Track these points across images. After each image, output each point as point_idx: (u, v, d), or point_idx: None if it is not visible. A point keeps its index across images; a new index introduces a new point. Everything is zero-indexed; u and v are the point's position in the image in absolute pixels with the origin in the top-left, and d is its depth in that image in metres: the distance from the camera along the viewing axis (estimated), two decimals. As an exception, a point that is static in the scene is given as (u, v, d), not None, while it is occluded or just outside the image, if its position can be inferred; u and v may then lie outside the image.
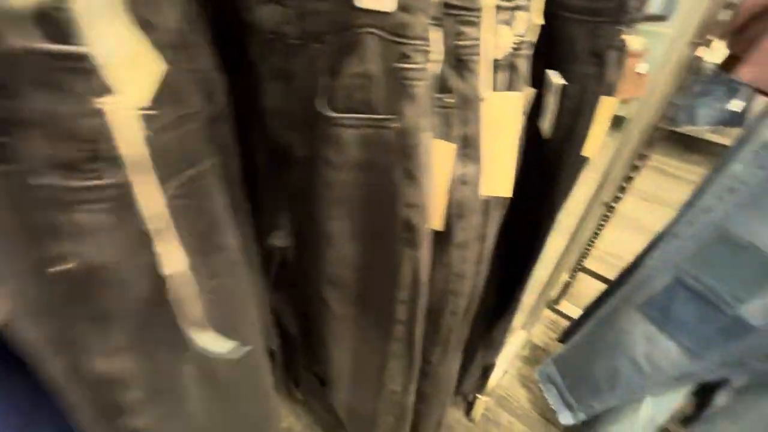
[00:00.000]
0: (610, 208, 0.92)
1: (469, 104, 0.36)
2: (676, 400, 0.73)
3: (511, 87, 0.40)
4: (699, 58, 0.66)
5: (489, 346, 0.85)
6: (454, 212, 0.40)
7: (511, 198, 0.46)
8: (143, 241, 0.26)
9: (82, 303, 0.26)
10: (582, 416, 0.83)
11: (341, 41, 0.30)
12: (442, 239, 0.42)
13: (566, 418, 0.85)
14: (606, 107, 0.48)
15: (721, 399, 0.66)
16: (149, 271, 0.27)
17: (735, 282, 0.55)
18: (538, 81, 0.45)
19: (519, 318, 1.13)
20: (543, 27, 0.42)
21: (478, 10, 0.34)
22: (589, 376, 0.81)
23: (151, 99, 0.24)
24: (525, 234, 0.56)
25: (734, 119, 2.17)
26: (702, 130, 2.25)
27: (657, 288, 0.64)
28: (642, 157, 0.81)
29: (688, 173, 2.16)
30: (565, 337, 1.01)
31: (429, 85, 0.33)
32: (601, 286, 1.18)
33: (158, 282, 0.28)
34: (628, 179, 0.86)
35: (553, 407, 0.88)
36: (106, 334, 0.28)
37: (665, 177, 2.10)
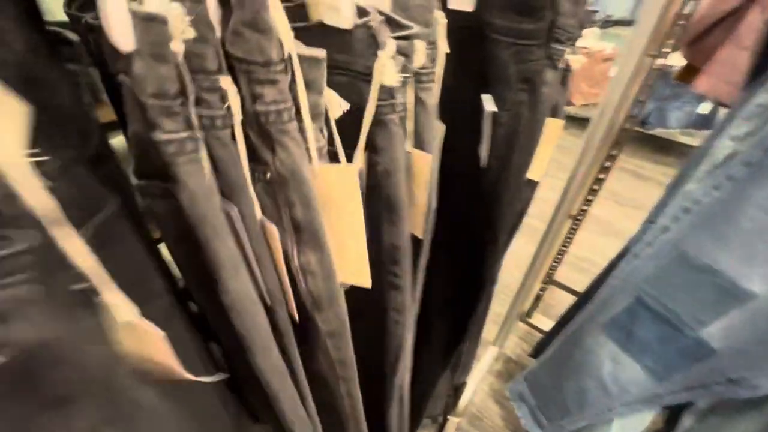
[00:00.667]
0: (582, 212, 0.90)
1: (288, 183, 0.28)
2: (644, 423, 0.71)
3: (419, 124, 0.37)
4: (666, 65, 0.64)
5: (456, 368, 0.83)
6: (309, 304, 0.35)
7: (458, 225, 0.43)
8: (80, 303, 0.23)
9: (30, 395, 0.23)
10: (553, 436, 0.80)
11: None
12: (310, 330, 0.37)
13: (537, 438, 0.83)
14: (551, 129, 0.46)
15: (686, 421, 0.64)
16: (98, 337, 0.24)
17: (694, 304, 0.53)
18: (476, 105, 0.42)
19: (491, 331, 1.10)
20: (478, 46, 0.39)
21: (276, 63, 0.24)
22: (558, 395, 0.79)
23: (29, 144, 0.21)
24: (474, 261, 0.53)
25: (704, 122, 2.21)
26: (673, 132, 2.29)
27: (619, 308, 0.63)
28: (610, 158, 0.80)
29: (662, 175, 2.18)
30: (536, 352, 0.99)
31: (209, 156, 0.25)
32: (573, 298, 1.17)
33: (110, 348, 0.24)
34: (598, 181, 0.84)
35: (524, 426, 0.86)
36: (68, 422, 0.24)
37: (639, 180, 2.11)
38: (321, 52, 0.27)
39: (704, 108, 2.18)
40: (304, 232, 0.31)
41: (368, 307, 0.40)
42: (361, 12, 0.29)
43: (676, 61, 0.79)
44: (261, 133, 0.27)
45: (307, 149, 0.29)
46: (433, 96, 0.37)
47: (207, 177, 0.25)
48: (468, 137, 0.46)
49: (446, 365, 0.73)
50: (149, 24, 0.20)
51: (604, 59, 2.27)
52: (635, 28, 0.50)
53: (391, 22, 0.30)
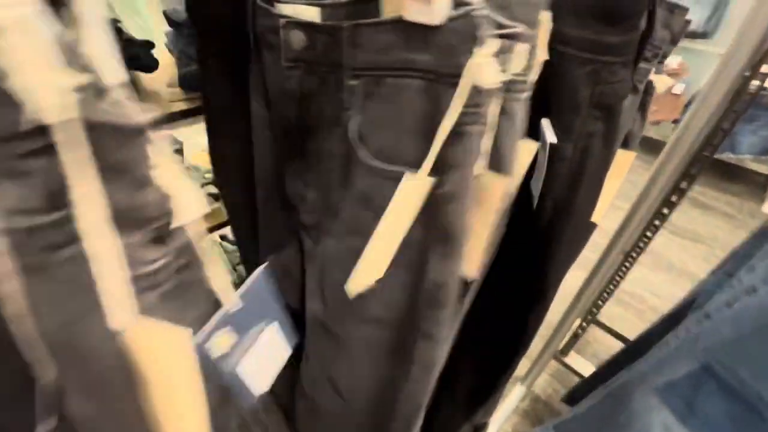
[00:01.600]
0: (638, 249, 0.79)
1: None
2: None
3: (500, 140, 0.30)
4: (761, 87, 0.54)
5: (478, 407, 0.75)
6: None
7: (501, 273, 0.36)
8: None
9: None
10: (583, 499, 0.71)
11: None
12: None
13: (565, 498, 0.73)
14: (621, 162, 0.38)
15: None
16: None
17: (783, 385, 0.43)
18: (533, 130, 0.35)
19: (521, 366, 1.01)
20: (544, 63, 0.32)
21: None
22: (593, 455, 0.69)
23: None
24: (514, 315, 0.46)
25: (782, 150, 1.97)
26: (744, 158, 2.06)
27: (680, 372, 0.53)
28: (679, 191, 0.69)
29: (727, 205, 1.97)
30: (570, 398, 0.89)
31: None
32: (613, 339, 1.05)
33: None
34: (661, 216, 0.73)
35: (550, 482, 0.76)
36: None
37: (700, 209, 1.91)
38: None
39: (784, 134, 1.95)
40: None
41: (386, 359, 0.34)
42: (457, 2, 0.24)
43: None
44: None
45: None
46: (522, 108, 0.30)
47: None
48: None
49: (468, 416, 0.66)
50: None
51: (669, 74, 2.08)
52: (734, 45, 0.41)
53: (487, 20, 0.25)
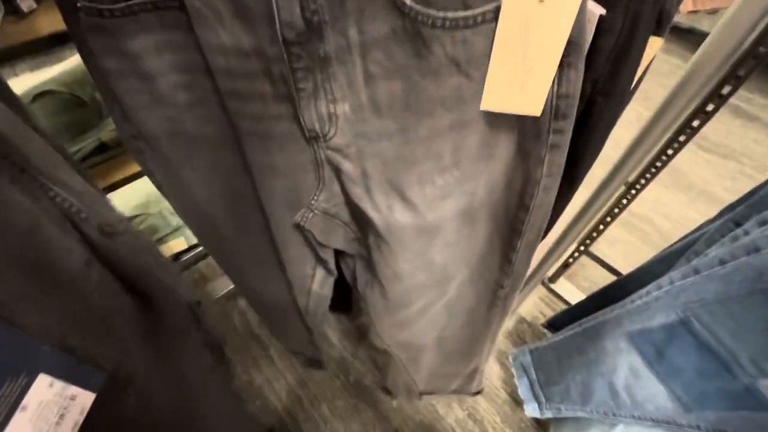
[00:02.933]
0: (653, 169, 0.69)
1: None
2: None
3: None
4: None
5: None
6: None
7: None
8: None
9: None
10: (548, 414, 0.76)
11: None
12: None
13: (532, 411, 0.78)
14: (649, 47, 0.28)
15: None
16: None
17: (762, 349, 0.39)
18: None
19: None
20: None
21: None
22: (561, 380, 0.72)
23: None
24: None
25: None
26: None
27: (655, 322, 0.49)
28: (718, 97, 0.55)
29: (774, 116, 1.71)
30: (551, 324, 0.90)
31: None
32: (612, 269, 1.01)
33: None
34: (690, 128, 0.59)
35: (521, 397, 0.81)
36: None
37: (739, 118, 1.65)
38: None
39: None
40: None
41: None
42: None
43: None
44: None
45: None
46: None
47: None
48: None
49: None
50: None
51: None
52: None
53: None
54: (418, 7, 0.26)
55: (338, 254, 0.49)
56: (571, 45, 0.26)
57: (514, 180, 0.35)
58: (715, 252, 0.43)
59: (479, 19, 0.25)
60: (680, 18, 2.01)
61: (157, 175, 0.42)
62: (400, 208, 0.37)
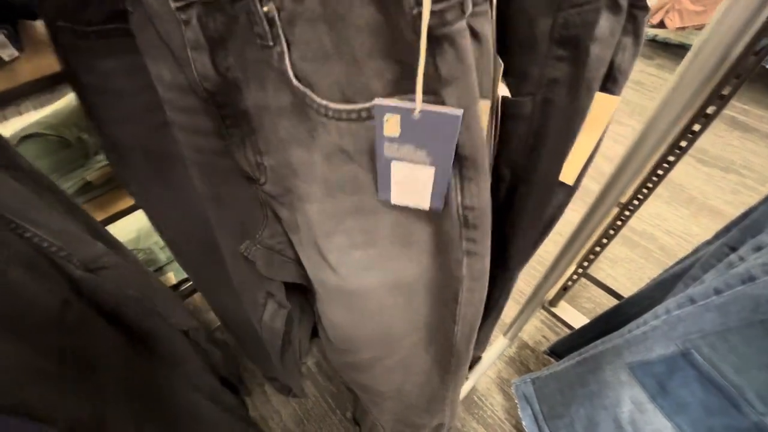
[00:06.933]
0: (651, 183, 0.67)
1: None
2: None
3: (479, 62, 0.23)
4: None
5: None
6: None
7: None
8: None
9: None
10: (554, 449, 0.71)
11: None
12: None
13: (537, 445, 0.74)
14: (601, 108, 0.27)
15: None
16: None
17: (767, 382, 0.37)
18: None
19: (510, 310, 0.98)
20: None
21: None
22: (566, 413, 0.68)
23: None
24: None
25: None
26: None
27: (655, 353, 0.47)
28: (703, 116, 0.54)
29: (772, 127, 1.69)
30: (552, 351, 0.86)
31: None
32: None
33: None
34: (687, 138, 0.57)
35: (526, 429, 0.77)
36: None
37: (738, 130, 1.63)
38: None
39: None
40: None
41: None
42: None
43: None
44: None
45: None
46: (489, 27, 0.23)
47: None
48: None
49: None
50: None
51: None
52: None
53: None
54: (304, 89, 0.25)
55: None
56: (468, 160, 0.25)
57: (441, 271, 0.33)
58: (710, 280, 0.41)
59: (364, 114, 0.25)
60: (669, 34, 2.04)
61: (131, 186, 0.44)
62: (324, 267, 0.36)
